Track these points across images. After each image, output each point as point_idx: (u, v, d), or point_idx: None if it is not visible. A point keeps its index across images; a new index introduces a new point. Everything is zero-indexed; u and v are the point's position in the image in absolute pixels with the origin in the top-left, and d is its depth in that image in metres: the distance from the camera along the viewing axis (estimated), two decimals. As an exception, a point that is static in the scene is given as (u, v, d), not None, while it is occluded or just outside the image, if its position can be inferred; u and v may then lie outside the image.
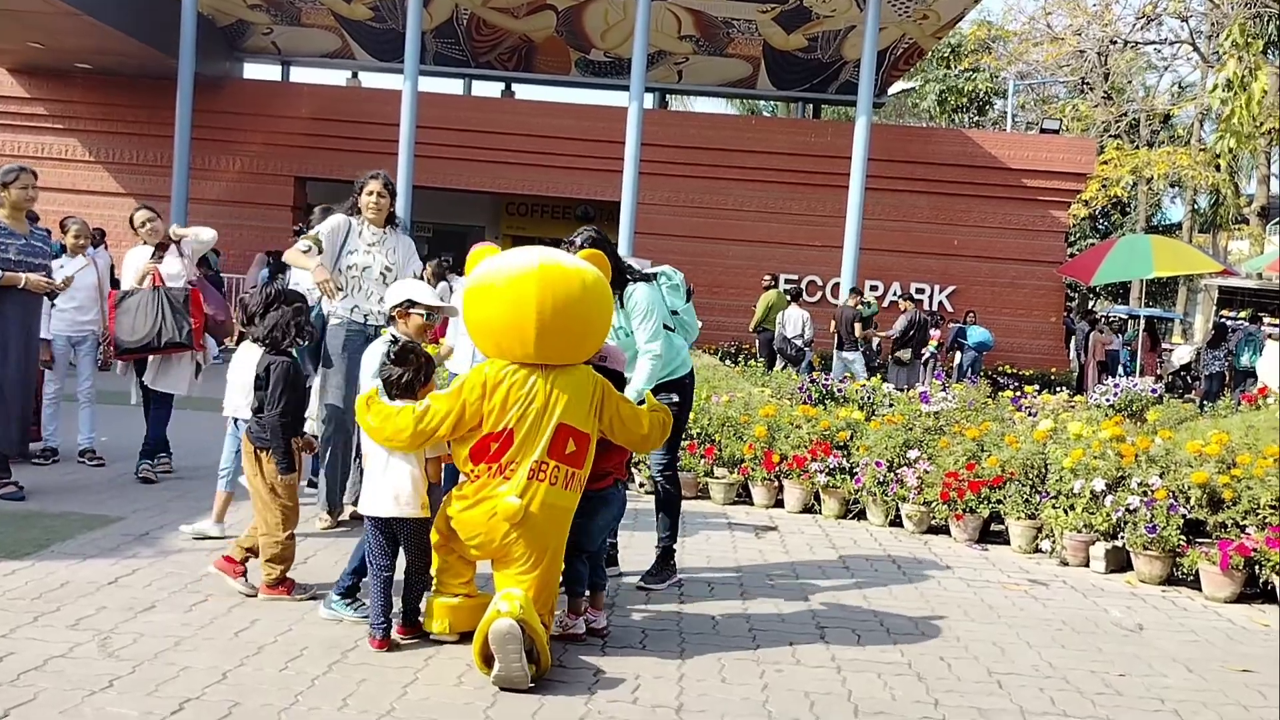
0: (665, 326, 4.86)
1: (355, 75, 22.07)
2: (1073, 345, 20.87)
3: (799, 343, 14.43)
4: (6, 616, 3.93)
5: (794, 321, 14.56)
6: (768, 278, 16.79)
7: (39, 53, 17.22)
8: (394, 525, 3.90)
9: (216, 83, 18.95)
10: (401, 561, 3.97)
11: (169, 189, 16.52)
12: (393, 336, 4.28)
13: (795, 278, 18.78)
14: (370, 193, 5.65)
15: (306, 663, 3.68)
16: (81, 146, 19.20)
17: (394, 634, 3.92)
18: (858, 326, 14.53)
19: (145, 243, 6.70)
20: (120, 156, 19.23)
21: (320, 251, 5.44)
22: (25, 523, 5.34)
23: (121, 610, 4.10)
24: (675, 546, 5.11)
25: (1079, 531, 5.93)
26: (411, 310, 4.30)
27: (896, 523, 6.72)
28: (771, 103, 33.48)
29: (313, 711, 3.27)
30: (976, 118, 34.17)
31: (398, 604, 3.98)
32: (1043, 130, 21.27)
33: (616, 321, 4.77)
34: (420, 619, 4.01)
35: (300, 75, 22.53)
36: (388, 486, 3.86)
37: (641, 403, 4.21)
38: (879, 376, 11.62)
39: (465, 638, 3.86)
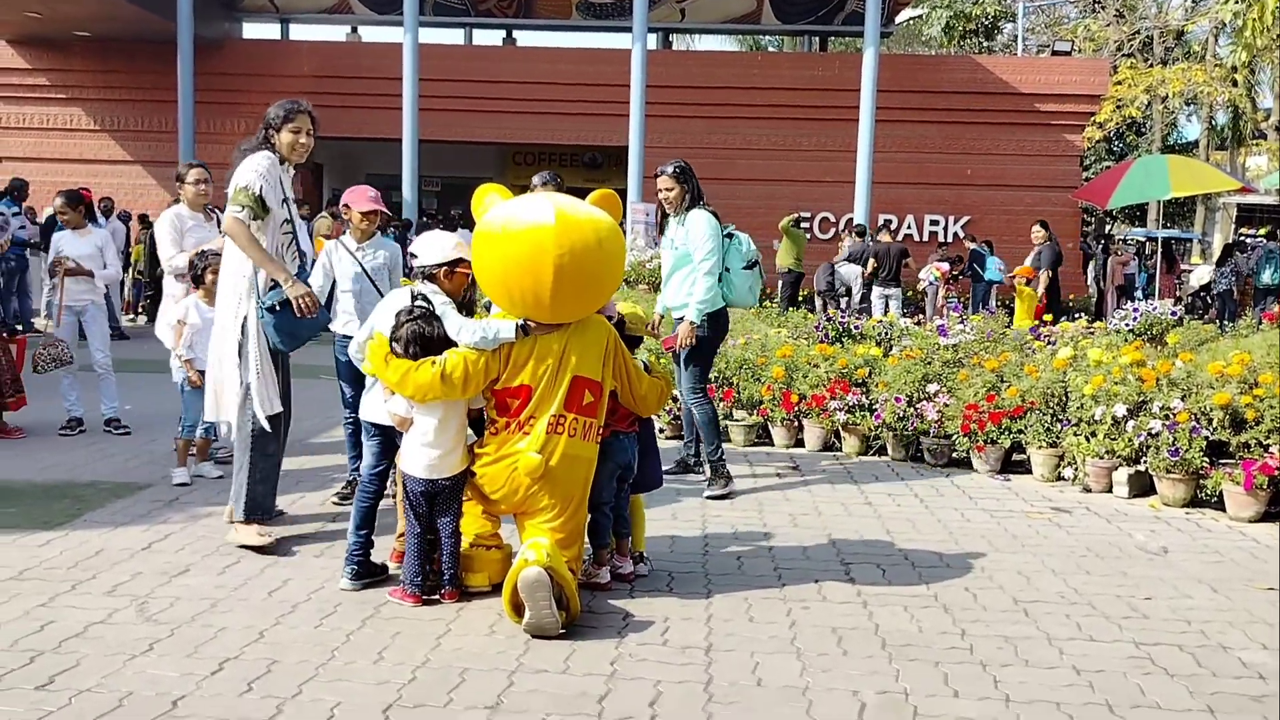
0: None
1: (355, 30, 21.84)
2: (1090, 271, 20.69)
3: (850, 282, 14.38)
4: (45, 586, 4.01)
5: (845, 263, 14.52)
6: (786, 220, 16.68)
7: (37, 22, 17.11)
8: (436, 485, 3.84)
9: (216, 44, 18.80)
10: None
11: (175, 154, 16.50)
12: (416, 294, 3.96)
13: (808, 214, 18.65)
14: (298, 130, 4.57)
15: (340, 619, 3.74)
16: (85, 115, 19.15)
17: (440, 596, 3.90)
18: (908, 263, 14.53)
19: (192, 206, 6.18)
20: (125, 124, 19.17)
21: (262, 217, 4.45)
22: (57, 493, 5.42)
23: (156, 575, 4.17)
24: (724, 458, 5.73)
25: (1101, 458, 5.93)
26: (458, 270, 4.03)
27: (918, 457, 6.74)
28: (776, 38, 32.96)
29: (349, 666, 3.34)
30: (985, 43, 33.54)
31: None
32: (1054, 53, 20.93)
33: (672, 236, 5.71)
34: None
35: (300, 33, 22.32)
36: (436, 450, 3.79)
37: (694, 324, 5.37)
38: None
39: (496, 589, 3.91)
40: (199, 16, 16.35)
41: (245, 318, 4.46)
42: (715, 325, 5.73)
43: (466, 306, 4.07)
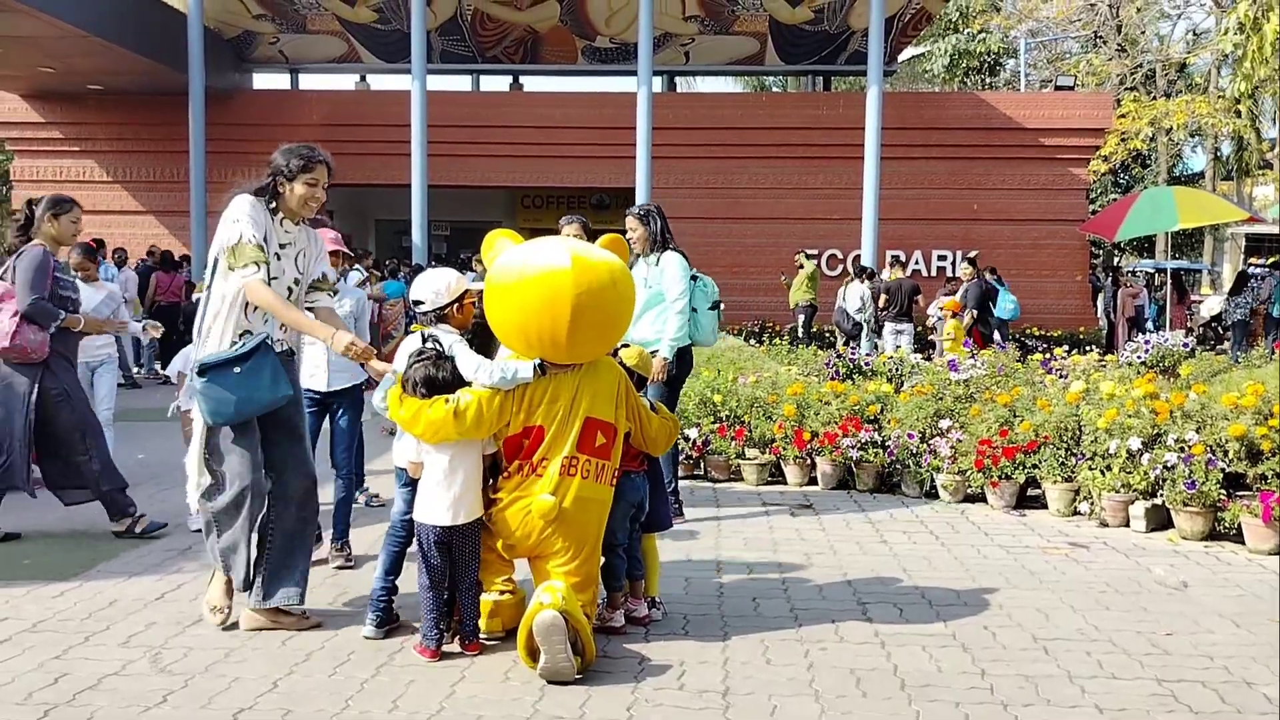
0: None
1: (363, 78, 22.13)
2: (1100, 303, 20.66)
3: (859, 318, 14.42)
4: (58, 637, 4.00)
5: (854, 297, 14.56)
6: (799, 255, 16.80)
7: (51, 76, 17.37)
8: (455, 532, 3.79)
9: (227, 95, 19.06)
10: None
11: (187, 204, 16.67)
12: (426, 335, 3.97)
13: (815, 252, 18.72)
14: (314, 184, 4.10)
15: (354, 667, 3.72)
16: (99, 167, 19.39)
17: (461, 647, 3.85)
18: (918, 300, 14.54)
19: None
20: (137, 175, 19.40)
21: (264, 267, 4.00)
22: (71, 544, 5.42)
23: (170, 625, 4.16)
24: (677, 487, 6.03)
25: (1117, 492, 5.89)
26: (465, 301, 4.06)
27: (932, 494, 6.70)
28: (780, 78, 33.27)
29: (364, 715, 3.31)
30: (988, 79, 33.80)
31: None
32: (1057, 88, 21.05)
33: (644, 275, 5.84)
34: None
35: (309, 82, 22.61)
36: (449, 493, 3.76)
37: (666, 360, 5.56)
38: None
39: (511, 634, 3.88)
40: (210, 68, 16.59)
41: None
42: (682, 361, 5.99)
43: (483, 334, 4.02)
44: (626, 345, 4.37)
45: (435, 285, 4.05)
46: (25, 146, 19.43)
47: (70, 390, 5.55)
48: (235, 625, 4.12)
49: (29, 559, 5.14)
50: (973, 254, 14.54)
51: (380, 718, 3.30)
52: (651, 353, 5.75)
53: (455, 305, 4.04)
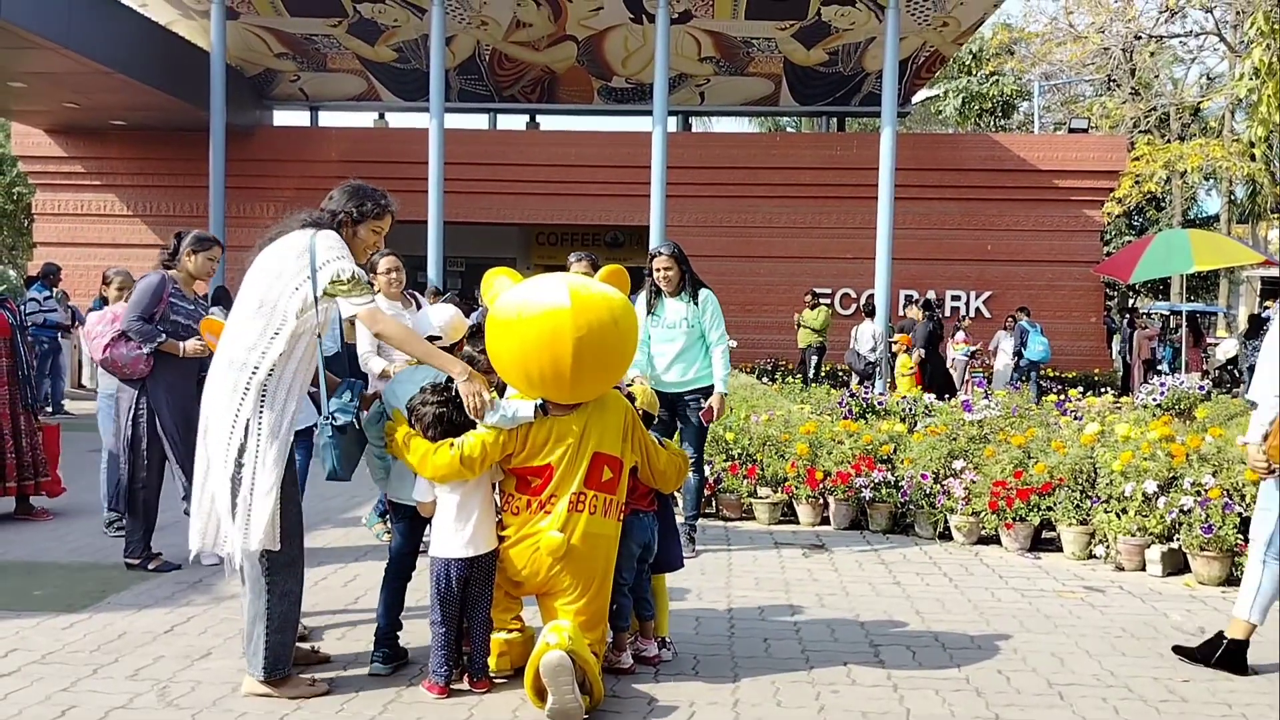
0: None
1: (382, 116, 22.37)
2: (1115, 345, 20.59)
3: (872, 358, 14.42)
4: (66, 670, 3.99)
5: (866, 337, 14.56)
6: (808, 296, 16.83)
7: (74, 112, 17.63)
8: (474, 564, 3.76)
9: (248, 131, 19.29)
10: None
11: (206, 238, 16.80)
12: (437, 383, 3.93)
13: (828, 291, 18.76)
14: (380, 231, 3.98)
15: (362, 704, 3.70)
16: (119, 202, 19.60)
17: (468, 686, 3.82)
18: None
19: (388, 296, 5.83)
20: (158, 209, 19.60)
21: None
22: (81, 575, 5.42)
23: (178, 659, 4.14)
24: (697, 525, 6.23)
25: (1133, 535, 5.84)
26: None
27: (945, 535, 6.65)
28: (794, 119, 33.50)
29: (370, 752, 3.29)
30: (1001, 121, 33.95)
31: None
32: (1071, 130, 21.09)
33: (684, 314, 5.95)
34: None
35: (328, 119, 22.87)
36: (465, 527, 3.74)
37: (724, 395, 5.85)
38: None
39: (519, 673, 3.85)
40: (231, 105, 16.80)
41: (248, 421, 3.63)
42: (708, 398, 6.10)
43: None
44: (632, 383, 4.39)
45: (438, 319, 4.14)
46: (48, 180, 19.67)
47: (159, 412, 5.49)
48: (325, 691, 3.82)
49: (39, 590, 5.14)
50: (926, 297, 14.75)
51: (387, 755, 3.27)
52: (703, 390, 6.01)
53: (456, 347, 4.09)
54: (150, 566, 5.56)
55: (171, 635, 4.45)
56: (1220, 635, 4.22)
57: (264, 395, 3.63)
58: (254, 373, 3.63)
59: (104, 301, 6.77)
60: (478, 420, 3.76)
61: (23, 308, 8.97)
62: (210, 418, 3.68)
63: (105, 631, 4.48)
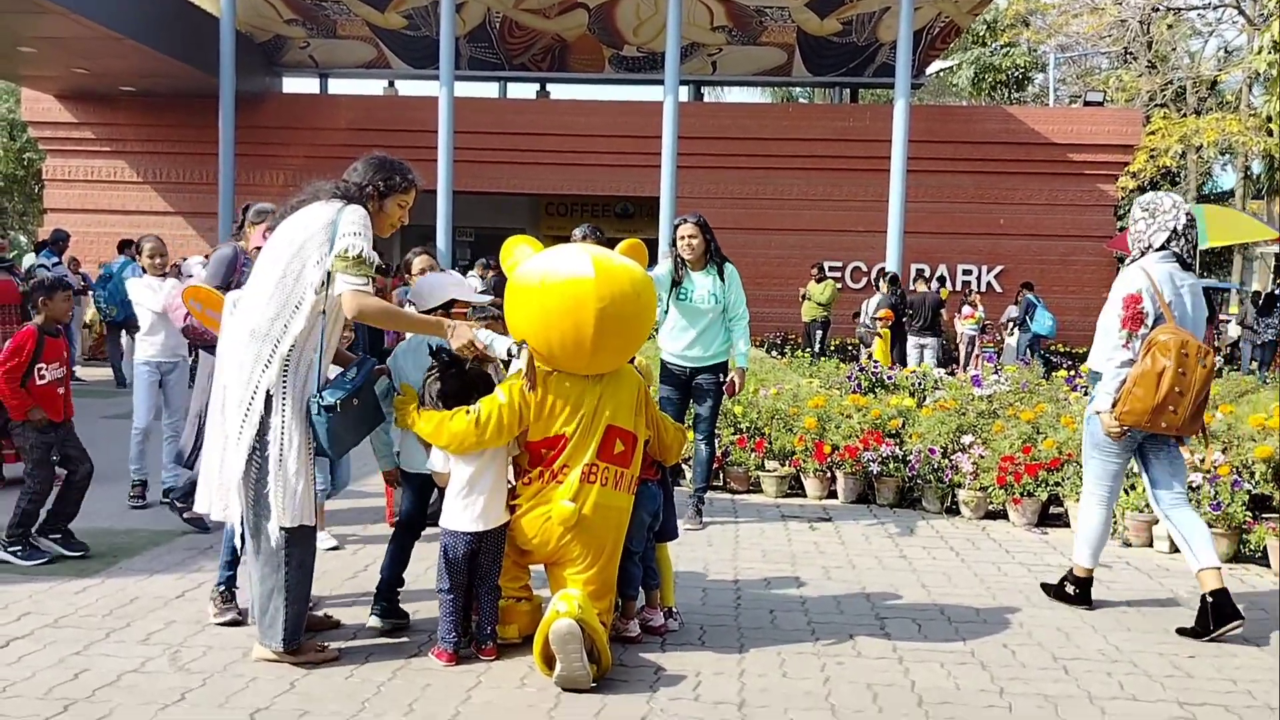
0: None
1: (392, 84, 22.27)
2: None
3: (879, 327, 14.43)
4: (80, 634, 4.03)
5: (877, 307, 14.56)
6: (814, 270, 16.83)
7: (85, 78, 17.59)
8: (484, 538, 3.78)
9: (257, 98, 19.23)
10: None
11: (216, 206, 16.81)
12: (434, 346, 3.91)
13: (840, 265, 18.70)
14: (405, 206, 3.98)
15: (371, 670, 3.73)
16: (129, 168, 19.60)
17: (477, 652, 3.85)
18: (943, 312, 14.59)
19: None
20: (167, 176, 19.60)
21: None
22: (94, 540, 5.46)
23: (189, 624, 4.18)
24: (704, 497, 6.24)
25: (1140, 511, 5.83)
26: (453, 310, 4.10)
27: (953, 509, 6.65)
28: (807, 89, 33.26)
29: (379, 718, 3.32)
30: (1015, 94, 33.64)
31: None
32: (1086, 103, 20.91)
33: (710, 288, 5.92)
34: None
35: (338, 87, 22.80)
36: (477, 501, 3.76)
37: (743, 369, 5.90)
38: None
39: (527, 641, 3.88)
40: (241, 71, 16.74)
41: (269, 393, 3.60)
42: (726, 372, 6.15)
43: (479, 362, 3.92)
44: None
45: (433, 287, 4.17)
46: (58, 146, 19.67)
47: None
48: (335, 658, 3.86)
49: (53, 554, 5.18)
50: (893, 272, 14.81)
51: (395, 721, 3.30)
52: (720, 366, 6.07)
53: (439, 311, 4.04)
54: (185, 516, 5.71)
55: (183, 600, 4.49)
56: (1204, 599, 4.28)
57: (286, 368, 3.63)
58: (276, 345, 3.61)
59: (142, 270, 6.56)
60: (480, 359, 3.75)
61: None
62: (229, 388, 3.66)
63: (117, 596, 4.52)
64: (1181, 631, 4.32)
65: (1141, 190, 29.04)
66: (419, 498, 4.24)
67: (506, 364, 3.99)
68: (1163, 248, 4.45)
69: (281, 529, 3.63)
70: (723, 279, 5.99)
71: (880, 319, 14.02)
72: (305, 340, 3.66)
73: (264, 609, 3.70)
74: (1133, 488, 5.90)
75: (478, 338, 3.69)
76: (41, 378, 5.25)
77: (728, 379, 6.05)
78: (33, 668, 3.67)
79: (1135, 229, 4.56)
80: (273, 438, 3.60)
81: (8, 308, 6.79)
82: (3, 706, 3.33)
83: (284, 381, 3.62)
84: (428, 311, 4.02)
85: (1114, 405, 4.38)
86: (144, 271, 6.60)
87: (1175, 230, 4.43)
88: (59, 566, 4.96)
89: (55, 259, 13.24)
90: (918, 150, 16.70)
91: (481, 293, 5.21)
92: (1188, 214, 4.42)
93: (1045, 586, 4.90)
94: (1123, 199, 23.76)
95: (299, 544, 3.69)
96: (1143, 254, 4.51)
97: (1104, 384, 4.45)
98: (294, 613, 3.70)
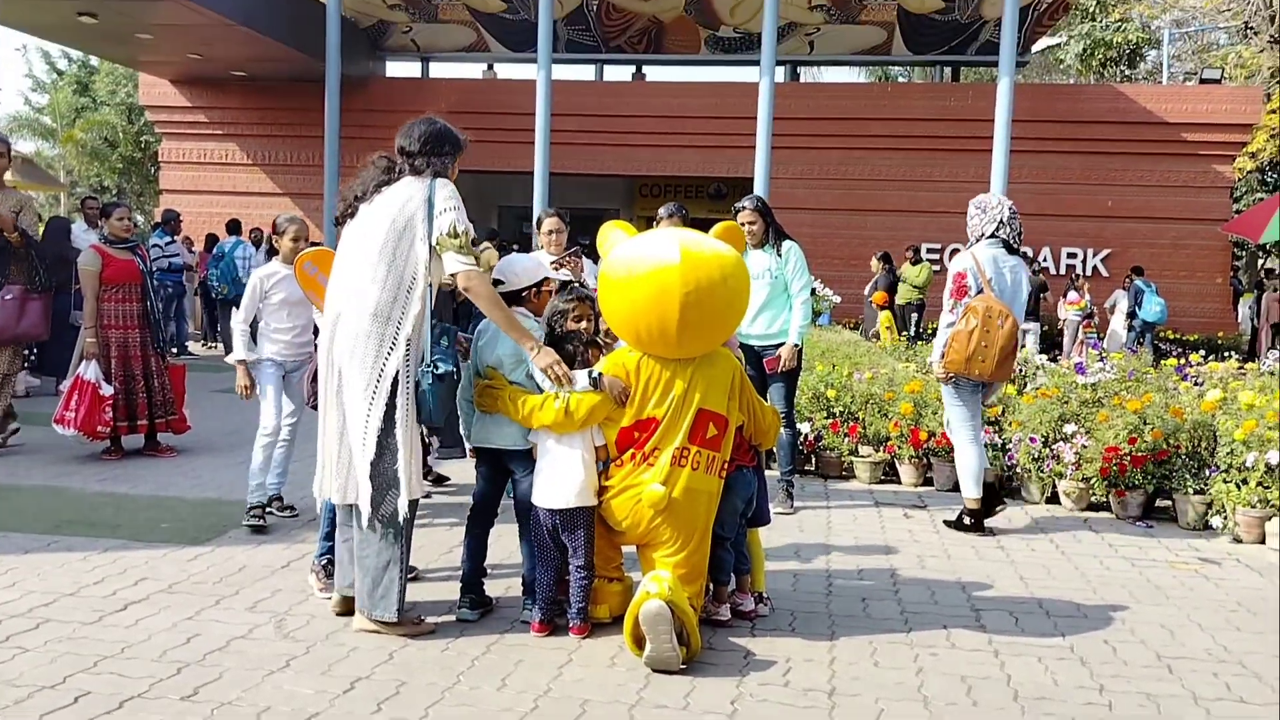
0: None
1: (491, 67, 22.50)
2: (1242, 308, 19.64)
3: None
4: (191, 600, 4.22)
5: (872, 288, 14.46)
6: (908, 253, 16.56)
7: (198, 63, 18.21)
8: (566, 516, 3.82)
9: (361, 82, 19.65)
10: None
11: (321, 187, 17.27)
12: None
13: (938, 246, 18.33)
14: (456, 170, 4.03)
15: (466, 644, 3.82)
16: (240, 150, 20.25)
17: (569, 630, 3.90)
18: (1045, 297, 14.27)
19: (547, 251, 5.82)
20: (275, 158, 20.19)
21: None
22: (204, 510, 5.70)
23: (294, 593, 4.33)
24: (794, 481, 6.21)
25: (1253, 507, 5.61)
26: (544, 290, 4.15)
27: (1054, 500, 6.49)
28: (906, 70, 32.56)
29: (474, 691, 3.40)
30: (1127, 71, 32.39)
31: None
32: (1202, 81, 20.01)
33: (767, 265, 5.93)
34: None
35: (439, 70, 23.11)
36: (560, 478, 3.81)
37: (798, 346, 5.84)
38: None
39: (617, 621, 3.92)
40: (346, 56, 17.12)
41: (395, 377, 3.70)
42: (803, 350, 6.16)
43: (551, 339, 3.97)
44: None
45: (518, 267, 4.14)
46: (173, 130, 20.42)
47: None
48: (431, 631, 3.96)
49: (167, 523, 5.42)
50: (884, 251, 15.44)
51: (489, 695, 3.38)
52: (778, 343, 5.98)
53: (533, 290, 4.10)
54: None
55: (288, 570, 4.65)
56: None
57: (408, 349, 3.74)
58: (399, 328, 3.71)
59: (274, 251, 6.32)
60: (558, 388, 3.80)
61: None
62: (349, 369, 3.73)
63: (226, 564, 4.71)
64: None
65: (1260, 171, 27.77)
66: (494, 477, 4.15)
67: (607, 346, 4.06)
68: (993, 235, 5.58)
69: (410, 502, 3.76)
70: (780, 255, 5.96)
71: (875, 303, 13.95)
72: (421, 319, 3.76)
73: (377, 581, 3.80)
74: (1245, 482, 5.67)
75: (555, 370, 3.76)
76: None
77: (776, 353, 5.90)
78: (149, 630, 3.85)
79: (971, 223, 5.66)
80: (399, 417, 3.72)
81: (130, 285, 7.09)
82: (122, 667, 3.51)
83: (407, 362, 3.73)
84: (518, 291, 4.07)
85: (941, 357, 5.53)
86: (268, 258, 6.29)
87: (1001, 220, 5.59)
88: (174, 533, 5.19)
89: (169, 238, 13.77)
90: (1021, 130, 16.21)
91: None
92: (1010, 207, 5.62)
93: (946, 523, 5.78)
94: (1239, 180, 22.76)
95: (412, 517, 3.85)
96: (977, 241, 5.61)
97: (936, 340, 5.61)
98: (404, 584, 3.85)
